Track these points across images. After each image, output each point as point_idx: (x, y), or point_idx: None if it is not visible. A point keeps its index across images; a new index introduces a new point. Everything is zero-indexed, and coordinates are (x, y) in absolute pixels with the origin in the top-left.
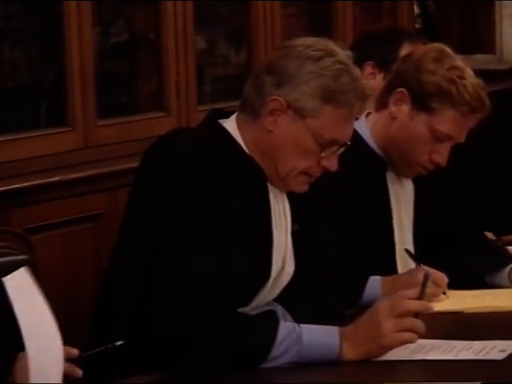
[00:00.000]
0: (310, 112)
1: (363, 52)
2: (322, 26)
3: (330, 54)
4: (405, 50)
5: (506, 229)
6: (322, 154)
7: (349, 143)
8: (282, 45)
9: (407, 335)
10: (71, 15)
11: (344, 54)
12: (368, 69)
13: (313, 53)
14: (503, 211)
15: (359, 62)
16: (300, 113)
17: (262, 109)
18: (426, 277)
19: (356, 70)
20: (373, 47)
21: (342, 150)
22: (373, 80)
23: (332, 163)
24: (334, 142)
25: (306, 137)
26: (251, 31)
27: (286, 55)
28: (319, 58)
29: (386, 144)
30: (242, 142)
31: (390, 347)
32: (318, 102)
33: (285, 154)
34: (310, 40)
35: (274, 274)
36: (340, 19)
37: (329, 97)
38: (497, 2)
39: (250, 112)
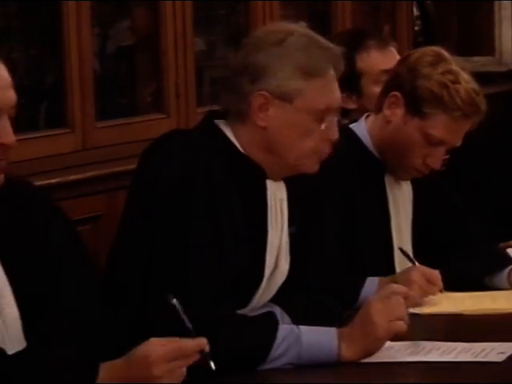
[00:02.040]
0: (294, 93)
1: None
2: (321, 27)
3: (291, 32)
4: (361, 61)
5: (508, 231)
6: (322, 127)
7: (342, 106)
8: (242, 43)
9: (400, 323)
10: (70, 17)
11: (302, 28)
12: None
13: (274, 37)
14: (504, 214)
15: None
16: (286, 98)
17: (249, 109)
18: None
19: (319, 38)
20: None
21: (337, 117)
22: (350, 103)
23: (334, 132)
24: (327, 111)
25: (301, 117)
26: (250, 33)
27: (250, 50)
28: (282, 40)
29: (382, 147)
30: (237, 143)
31: (386, 338)
32: (298, 81)
33: (288, 143)
34: (265, 28)
35: (267, 273)
36: (339, 22)
37: (305, 72)
38: (496, 4)
39: (236, 117)
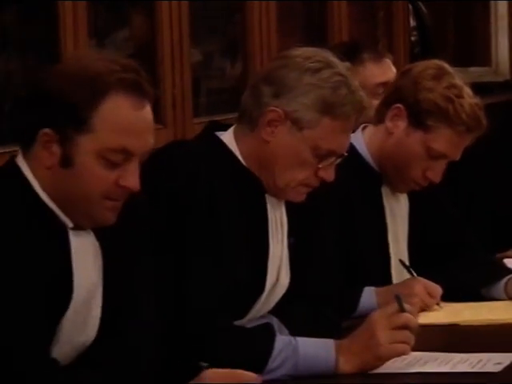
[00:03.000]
0: (307, 123)
1: None
2: (317, 39)
3: (329, 65)
4: (357, 74)
5: (505, 242)
6: (320, 166)
7: (345, 154)
8: (281, 54)
9: (402, 346)
10: (67, 27)
11: (342, 66)
12: None
13: (312, 64)
14: (502, 224)
15: None
16: (298, 124)
17: (260, 119)
18: (398, 298)
19: (354, 82)
20: None
21: (339, 160)
22: None
23: (329, 174)
24: (331, 153)
25: (304, 148)
26: (247, 43)
27: (285, 66)
28: (318, 70)
29: (381, 158)
30: (238, 154)
31: (386, 358)
32: (316, 114)
33: (282, 165)
34: (309, 51)
35: (268, 285)
36: (336, 32)
37: (327, 109)
38: (492, 15)
39: (248, 122)
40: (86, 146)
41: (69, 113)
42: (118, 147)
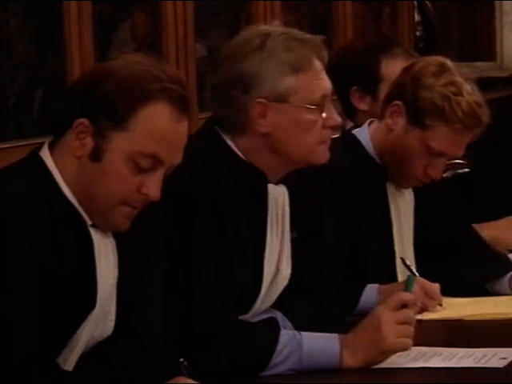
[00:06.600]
0: (287, 92)
1: (344, 75)
2: (322, 33)
3: (267, 35)
4: (385, 66)
5: None
6: (324, 116)
7: (334, 98)
8: (219, 60)
9: (406, 340)
10: (72, 23)
11: (277, 27)
12: (355, 94)
13: (253, 43)
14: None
15: (343, 87)
16: (281, 99)
17: (248, 119)
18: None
19: (296, 32)
20: (352, 69)
21: (334, 97)
22: (363, 103)
23: (335, 118)
24: (323, 99)
25: (300, 113)
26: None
27: (234, 61)
28: (262, 44)
29: (384, 154)
30: (237, 149)
31: (391, 352)
32: (288, 79)
33: (296, 141)
34: (241, 36)
35: (267, 277)
36: (340, 27)
37: (292, 69)
38: (497, 10)
39: (234, 129)
40: (119, 144)
41: (109, 108)
42: (149, 153)
